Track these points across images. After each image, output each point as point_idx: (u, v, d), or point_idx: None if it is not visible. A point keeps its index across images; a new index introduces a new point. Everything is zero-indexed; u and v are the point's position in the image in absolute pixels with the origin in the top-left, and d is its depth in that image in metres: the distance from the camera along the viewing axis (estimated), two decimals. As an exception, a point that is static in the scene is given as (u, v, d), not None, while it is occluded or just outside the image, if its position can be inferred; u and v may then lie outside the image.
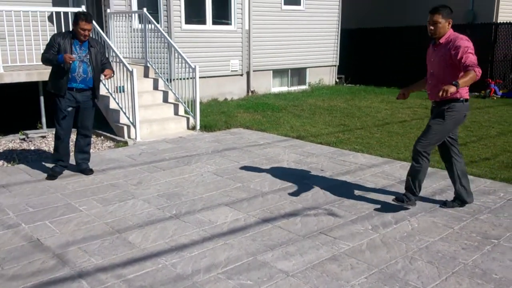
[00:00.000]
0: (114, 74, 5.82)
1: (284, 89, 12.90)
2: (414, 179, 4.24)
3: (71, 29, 5.41)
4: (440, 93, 3.68)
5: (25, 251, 3.65)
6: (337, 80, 14.15)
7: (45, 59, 5.25)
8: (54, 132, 5.56)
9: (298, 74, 13.31)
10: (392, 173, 5.53)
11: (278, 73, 12.76)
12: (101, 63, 5.52)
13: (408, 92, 4.58)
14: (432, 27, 4.09)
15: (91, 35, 5.49)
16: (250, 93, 11.91)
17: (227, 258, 3.53)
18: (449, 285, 3.08)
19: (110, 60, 6.53)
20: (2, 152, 6.67)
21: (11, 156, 6.42)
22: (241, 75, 11.61)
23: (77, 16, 5.24)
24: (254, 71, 11.86)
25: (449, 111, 4.12)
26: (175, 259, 3.53)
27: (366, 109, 10.00)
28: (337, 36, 13.64)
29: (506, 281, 3.12)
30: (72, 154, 5.79)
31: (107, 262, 3.48)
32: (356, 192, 4.90)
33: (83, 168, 5.68)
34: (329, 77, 13.97)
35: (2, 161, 6.21)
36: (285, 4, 12.32)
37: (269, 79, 12.50)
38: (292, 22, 12.51)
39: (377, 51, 14.79)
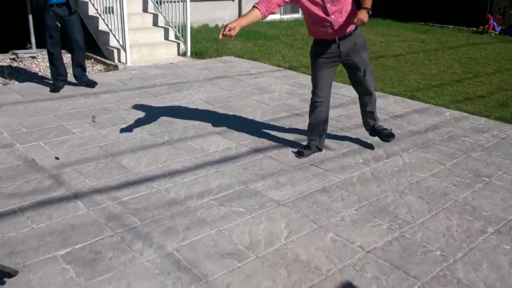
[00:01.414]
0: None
1: (277, 17, 12.59)
2: None
3: None
4: (357, 21, 3.52)
5: (21, 170, 3.69)
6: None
7: None
8: (43, 53, 5.51)
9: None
10: (385, 107, 5.56)
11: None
12: None
13: (239, 27, 3.57)
14: None
15: None
16: (242, 20, 11.60)
17: (219, 185, 3.62)
18: (439, 220, 3.19)
19: None
20: (-11, 70, 6.54)
21: (2, 74, 6.29)
22: (233, 0, 11.26)
23: None
24: (248, -4, 11.49)
25: (362, 38, 4.01)
26: (168, 184, 3.60)
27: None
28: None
29: (496, 219, 3.21)
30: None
31: (102, 184, 3.55)
32: (348, 125, 4.95)
33: (84, 80, 5.96)
34: (324, 7, 13.60)
35: (-10, 80, 6.10)
36: None
37: (263, 6, 12.13)
38: None
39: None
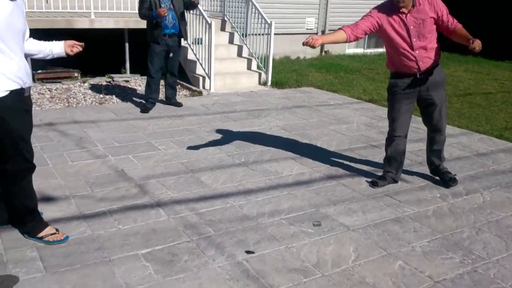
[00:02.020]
0: (196, 4, 6.37)
1: (360, 51, 12.66)
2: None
3: None
4: (478, 47, 3.51)
5: (112, 179, 4.04)
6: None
7: (142, 15, 6.03)
8: (135, 78, 6.01)
9: (376, 36, 12.98)
10: (469, 145, 5.41)
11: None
12: (184, 6, 6.23)
13: (321, 42, 3.73)
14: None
15: None
16: (323, 53, 11.82)
17: (290, 206, 3.73)
18: (515, 259, 3.08)
19: (190, 12, 6.93)
20: (91, 92, 7.16)
21: (99, 96, 6.90)
22: (316, 33, 11.51)
23: None
24: (330, 30, 11.69)
25: (442, 74, 4.00)
26: (242, 201, 3.77)
27: (447, 78, 9.63)
28: None
29: None
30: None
31: (182, 196, 3.79)
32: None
33: (173, 102, 6.60)
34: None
35: (91, 99, 6.70)
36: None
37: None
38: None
39: (466, 15, 13.87)
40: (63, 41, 3.10)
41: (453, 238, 3.32)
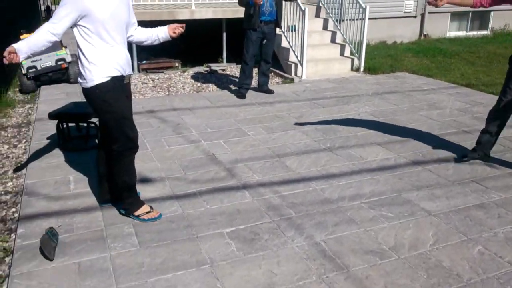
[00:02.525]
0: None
1: (462, 33, 12.00)
2: None
3: None
4: None
5: (203, 162, 4.38)
6: (527, 26, 12.62)
7: (241, 2, 6.31)
8: (231, 66, 6.31)
9: (480, 17, 12.21)
10: None
11: (457, 16, 11.88)
12: None
13: (447, 1, 3.90)
14: None
15: None
16: (422, 37, 11.38)
17: (372, 191, 3.80)
18: None
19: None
20: (190, 81, 7.67)
21: (196, 84, 7.38)
22: (415, 17, 11.11)
23: None
24: (429, 13, 11.23)
25: None
26: (324, 185, 3.91)
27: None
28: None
29: None
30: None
31: (267, 179, 4.02)
32: (522, 147, 4.65)
33: (265, 89, 6.85)
34: (518, 23, 12.52)
35: (189, 88, 7.19)
36: None
37: (446, 22, 11.73)
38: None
39: None
40: (166, 26, 3.34)
41: (540, 226, 3.19)
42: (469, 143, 4.76)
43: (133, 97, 5.78)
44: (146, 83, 7.47)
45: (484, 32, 12.20)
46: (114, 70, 3.04)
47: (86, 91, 3.07)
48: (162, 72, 8.17)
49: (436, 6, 3.89)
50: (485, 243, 3.01)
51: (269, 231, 3.22)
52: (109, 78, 3.02)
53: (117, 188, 3.37)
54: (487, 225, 3.23)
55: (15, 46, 2.82)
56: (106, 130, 3.21)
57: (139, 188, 3.63)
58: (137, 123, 5.31)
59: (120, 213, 3.42)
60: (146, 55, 8.35)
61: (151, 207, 3.42)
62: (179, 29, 3.30)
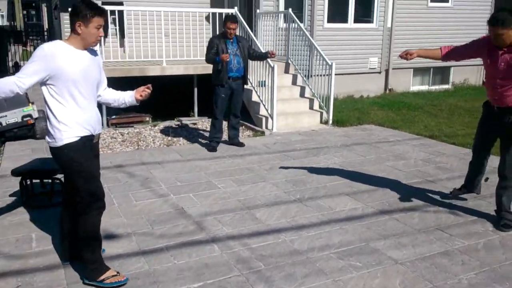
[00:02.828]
0: (264, 55, 6.88)
1: (425, 88, 12.53)
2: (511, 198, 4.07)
3: (221, 31, 6.63)
4: None
5: (171, 216, 4.36)
6: (484, 80, 13.27)
7: (209, 59, 6.52)
8: (203, 120, 6.41)
9: (441, 73, 12.82)
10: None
11: (419, 71, 12.44)
12: (249, 54, 6.68)
13: (417, 54, 4.16)
14: (495, 39, 3.78)
15: (237, 33, 6.65)
16: (387, 91, 11.83)
17: (341, 241, 3.83)
18: None
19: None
20: (160, 135, 7.72)
21: (167, 138, 7.43)
22: (379, 73, 11.59)
23: (225, 18, 6.54)
24: (393, 69, 11.74)
25: None
26: (294, 236, 3.93)
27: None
28: (486, 34, 12.80)
29: None
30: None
31: (236, 232, 4.02)
32: (484, 194, 4.77)
33: (236, 142, 6.98)
34: (476, 77, 13.18)
35: (160, 142, 7.23)
36: (431, 1, 11.96)
37: (409, 77, 12.26)
38: (438, 20, 12.07)
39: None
40: (134, 90, 3.33)
41: (501, 270, 3.27)
42: (432, 192, 4.89)
43: (101, 152, 5.78)
44: (115, 138, 7.48)
45: (446, 86, 12.77)
46: (84, 130, 3.05)
47: (54, 150, 3.05)
48: (132, 126, 8.22)
49: (407, 59, 4.14)
50: (450, 290, 3.06)
51: (237, 285, 3.20)
52: (78, 138, 3.01)
53: (80, 248, 3.24)
54: (451, 272, 3.29)
55: None
56: (73, 189, 3.15)
57: (104, 245, 3.57)
58: (105, 178, 5.31)
59: (84, 283, 3.22)
60: (116, 110, 8.40)
61: (117, 272, 3.24)
62: (145, 91, 3.29)
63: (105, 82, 3.35)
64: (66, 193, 3.38)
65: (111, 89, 3.42)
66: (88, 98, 3.06)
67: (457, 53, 4.18)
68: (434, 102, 10.45)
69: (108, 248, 3.66)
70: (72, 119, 2.99)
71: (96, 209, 3.17)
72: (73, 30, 2.98)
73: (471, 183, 4.56)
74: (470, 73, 13.03)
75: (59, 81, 2.92)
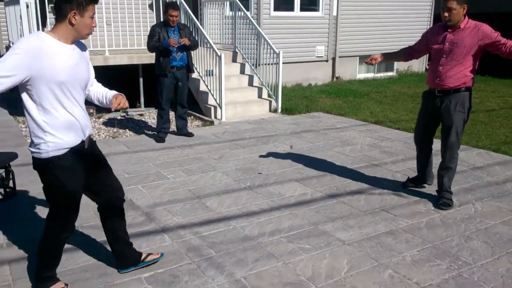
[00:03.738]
0: (192, 45, 6.56)
1: (370, 75, 12.87)
2: (451, 178, 4.27)
3: (162, 19, 6.53)
4: None
5: (120, 207, 4.28)
6: (427, 67, 13.79)
7: (152, 47, 6.36)
8: (150, 111, 6.31)
9: (386, 60, 13.17)
10: (467, 159, 5.53)
11: (365, 59, 12.73)
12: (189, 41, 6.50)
13: (381, 59, 4.36)
14: (446, 14, 3.92)
15: (179, 21, 6.58)
16: (334, 79, 12.06)
17: (291, 225, 3.90)
18: (500, 263, 3.20)
19: (202, 46, 7.24)
20: (105, 127, 7.53)
21: (112, 130, 7.26)
22: (326, 61, 11.78)
23: (166, 5, 6.42)
24: (339, 57, 11.96)
25: (468, 99, 4.10)
26: (245, 223, 3.96)
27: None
28: (430, 22, 13.27)
29: (562, 265, 3.16)
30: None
31: (187, 221, 4.00)
32: (425, 176, 4.99)
33: (184, 132, 6.91)
34: (419, 64, 13.67)
35: (105, 134, 7.05)
36: (375, -11, 12.26)
37: (355, 65, 12.54)
38: (382, 7, 12.39)
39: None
40: (114, 94, 2.93)
41: (442, 247, 3.44)
42: (378, 175, 5.06)
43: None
44: (60, 131, 7.22)
45: (390, 74, 13.16)
46: (74, 138, 2.68)
47: (38, 161, 2.65)
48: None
49: (372, 64, 4.31)
50: (395, 267, 3.19)
51: (189, 273, 3.19)
52: (67, 150, 2.64)
53: (38, 262, 2.95)
54: (396, 250, 3.42)
55: None
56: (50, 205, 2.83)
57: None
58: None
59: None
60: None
61: (65, 284, 2.99)
62: (123, 103, 2.85)
63: (93, 76, 2.93)
64: (97, 202, 3.12)
65: (98, 84, 3.03)
66: (77, 101, 2.67)
67: (416, 50, 4.37)
68: (380, 89, 10.75)
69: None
70: (59, 127, 2.59)
71: (60, 238, 2.88)
72: (62, 20, 2.53)
73: (423, 175, 4.58)
74: (413, 60, 13.47)
75: (41, 84, 2.48)
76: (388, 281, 3.02)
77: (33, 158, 2.67)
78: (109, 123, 7.73)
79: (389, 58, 4.56)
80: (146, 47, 6.51)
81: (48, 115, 2.56)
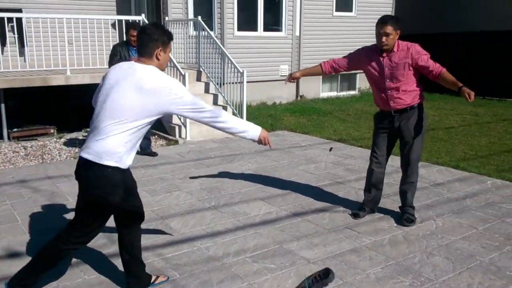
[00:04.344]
0: None
1: (333, 94, 13.10)
2: (414, 194, 4.36)
3: (125, 39, 6.50)
4: (471, 97, 3.64)
5: (80, 230, 4.15)
6: (373, 93, 14.13)
7: (111, 65, 6.16)
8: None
9: (348, 79, 13.47)
10: (427, 176, 5.67)
11: (328, 78, 12.98)
12: None
13: (300, 75, 4.46)
14: (382, 39, 4.02)
15: None
16: (299, 98, 12.21)
17: (256, 245, 3.87)
18: (462, 278, 3.26)
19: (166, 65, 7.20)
20: (67, 147, 7.35)
21: (74, 150, 7.09)
22: (290, 80, 11.92)
23: (127, 25, 6.47)
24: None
25: (423, 113, 4.20)
26: (209, 243, 3.91)
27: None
28: (389, 42, 13.67)
29: (520, 278, 3.25)
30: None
31: (150, 243, 3.91)
32: (388, 193, 5.07)
33: (148, 152, 6.82)
34: (380, 83, 14.00)
35: (66, 154, 6.88)
36: (336, 10, 12.56)
37: (319, 84, 12.75)
38: (343, 28, 12.71)
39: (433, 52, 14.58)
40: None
41: (405, 263, 3.48)
42: (341, 192, 5.11)
43: (2, 167, 5.41)
44: (17, 152, 7.00)
45: (352, 92, 13.44)
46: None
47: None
48: (36, 139, 7.75)
49: (291, 82, 4.42)
50: (359, 285, 3.20)
51: (152, 296, 3.11)
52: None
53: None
54: (360, 268, 3.44)
55: None
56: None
57: (7, 263, 3.35)
58: (7, 194, 4.99)
59: None
60: (17, 122, 7.88)
61: None
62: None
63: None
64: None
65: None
66: None
67: (341, 66, 4.41)
68: (342, 108, 10.94)
69: (11, 267, 3.41)
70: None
71: (70, 249, 3.01)
72: (149, 56, 2.84)
73: (375, 201, 4.51)
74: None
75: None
76: (353, 299, 3.03)
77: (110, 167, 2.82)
78: (70, 143, 7.55)
79: (308, 73, 4.62)
80: (108, 67, 6.45)
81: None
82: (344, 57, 4.43)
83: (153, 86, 2.72)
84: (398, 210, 4.48)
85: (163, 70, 2.89)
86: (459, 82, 3.83)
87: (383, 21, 4.02)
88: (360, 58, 4.30)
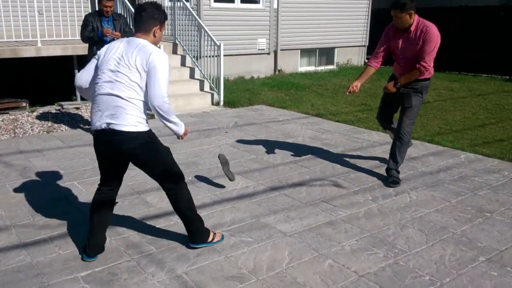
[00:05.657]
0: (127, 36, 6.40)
1: (311, 68, 13.06)
2: (401, 153, 4.67)
3: (97, 9, 6.26)
4: (384, 88, 4.55)
5: (54, 205, 4.09)
6: (366, 61, 14.17)
7: (86, 37, 6.08)
8: (87, 104, 6.07)
9: (326, 54, 13.43)
10: (402, 150, 5.73)
11: (306, 52, 12.92)
12: (124, 32, 6.25)
13: (360, 84, 4.59)
14: (396, 21, 4.36)
15: (115, 10, 6.41)
16: (277, 72, 12.14)
17: (233, 219, 3.88)
18: (434, 250, 3.33)
19: None
20: (39, 121, 7.18)
21: (47, 124, 6.93)
22: (268, 53, 11.84)
23: None
24: (281, 50, 12.06)
25: (423, 89, 4.53)
26: (186, 217, 3.89)
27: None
28: (367, 16, 13.63)
29: (489, 249, 3.34)
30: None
31: (126, 217, 3.88)
32: (364, 167, 5.13)
33: None
34: (358, 58, 14.02)
35: (39, 128, 6.73)
36: (314, -18, 12.43)
37: (297, 58, 12.68)
38: (322, 1, 12.59)
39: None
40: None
41: (379, 236, 3.54)
42: (318, 167, 5.13)
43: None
44: (-11, 126, 6.83)
45: (331, 67, 13.43)
46: None
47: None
48: (7, 113, 7.54)
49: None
50: (334, 257, 3.24)
51: (128, 270, 3.10)
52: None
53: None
54: (335, 240, 3.49)
55: None
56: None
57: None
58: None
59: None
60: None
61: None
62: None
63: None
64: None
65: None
66: None
67: (383, 54, 4.61)
68: (320, 82, 10.93)
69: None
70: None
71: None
72: (147, 33, 3.09)
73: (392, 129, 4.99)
74: (352, 54, 13.82)
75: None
76: (328, 270, 3.07)
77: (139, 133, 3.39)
78: (43, 117, 7.38)
79: (366, 78, 4.70)
80: (80, 37, 6.25)
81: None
82: (379, 44, 4.64)
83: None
84: (373, 184, 4.54)
85: (156, 45, 3.15)
86: (403, 81, 4.41)
87: (392, 6, 4.30)
88: (387, 38, 4.56)
